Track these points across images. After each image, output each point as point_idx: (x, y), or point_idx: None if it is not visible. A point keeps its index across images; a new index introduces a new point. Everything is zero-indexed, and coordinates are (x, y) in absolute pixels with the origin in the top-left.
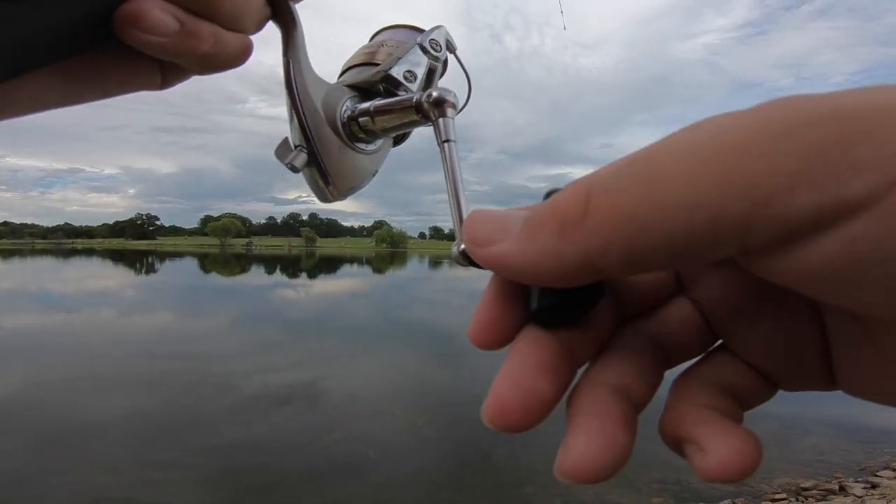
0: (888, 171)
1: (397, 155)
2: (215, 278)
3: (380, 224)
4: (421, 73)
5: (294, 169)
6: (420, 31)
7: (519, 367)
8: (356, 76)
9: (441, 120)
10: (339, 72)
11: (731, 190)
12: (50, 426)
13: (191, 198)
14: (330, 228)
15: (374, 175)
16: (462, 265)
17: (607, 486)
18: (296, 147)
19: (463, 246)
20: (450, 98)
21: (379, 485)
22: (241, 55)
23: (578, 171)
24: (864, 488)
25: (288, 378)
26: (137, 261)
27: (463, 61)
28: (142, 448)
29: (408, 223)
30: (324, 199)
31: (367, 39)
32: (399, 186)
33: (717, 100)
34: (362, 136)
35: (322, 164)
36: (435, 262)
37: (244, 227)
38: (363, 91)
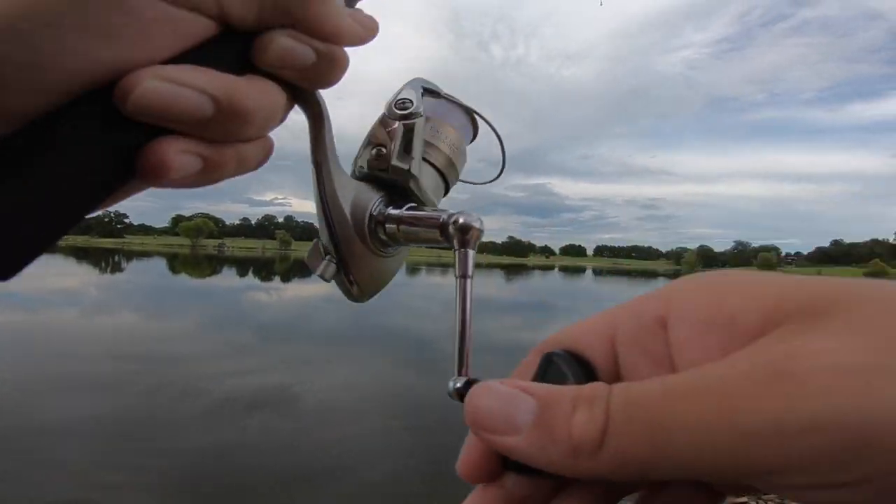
0: (866, 473)
1: None
2: (184, 279)
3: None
4: (396, 145)
5: (324, 279)
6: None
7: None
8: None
9: (462, 251)
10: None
11: (732, 464)
12: (4, 427)
13: (162, 196)
14: (306, 232)
15: (394, 275)
16: (456, 401)
17: None
18: (325, 255)
19: (459, 385)
20: (475, 225)
21: (352, 491)
22: (263, 160)
23: (557, 181)
24: None
25: (258, 382)
26: (103, 259)
27: (486, 118)
28: (102, 452)
29: None
30: (352, 299)
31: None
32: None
33: (692, 114)
34: (387, 241)
35: (351, 274)
36: (412, 269)
37: (217, 228)
38: (375, 181)
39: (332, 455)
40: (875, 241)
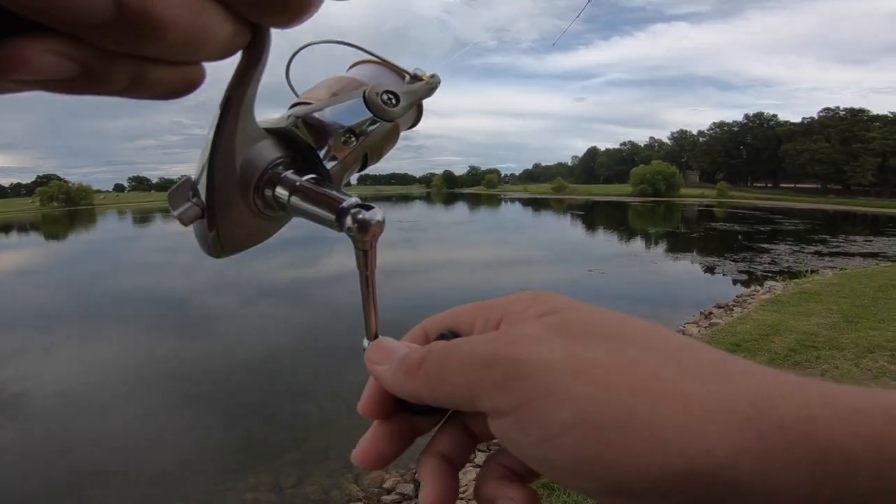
0: (519, 398)
1: (80, 99)
2: None
3: (46, 179)
4: (352, 130)
5: (182, 222)
6: (404, 74)
7: (376, 434)
8: (281, 121)
9: (361, 252)
10: (292, 102)
11: (462, 392)
12: None
13: None
14: None
15: (266, 238)
16: None
17: None
18: (192, 197)
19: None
20: (375, 223)
21: (152, 482)
22: (180, 90)
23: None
24: None
25: None
26: None
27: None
28: None
29: (98, 175)
30: (208, 252)
31: (346, 68)
32: (81, 133)
33: (440, 55)
34: (272, 203)
35: (215, 225)
36: (141, 219)
37: None
38: (285, 140)
39: (104, 452)
40: (560, 165)
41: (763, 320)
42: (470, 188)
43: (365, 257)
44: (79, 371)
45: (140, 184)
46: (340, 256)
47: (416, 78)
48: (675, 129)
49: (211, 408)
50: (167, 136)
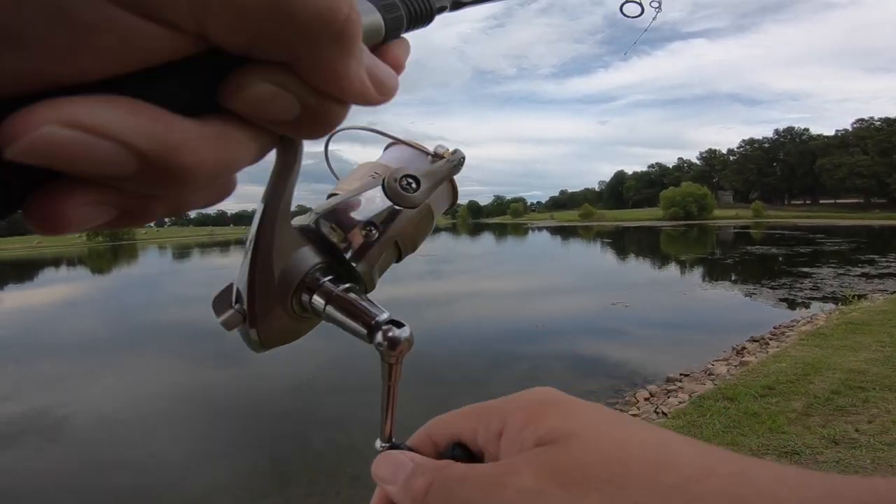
0: None
1: None
2: None
3: None
4: (374, 221)
5: (226, 328)
6: (427, 153)
7: None
8: (307, 218)
9: (387, 366)
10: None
11: None
12: None
13: None
14: (13, 225)
15: (303, 335)
16: None
17: None
18: (236, 303)
19: (380, 447)
20: (403, 344)
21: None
22: (215, 201)
23: (346, 148)
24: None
25: (7, 410)
26: None
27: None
28: None
29: None
30: (250, 348)
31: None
32: None
33: (461, 84)
34: (308, 307)
35: (257, 331)
36: (180, 254)
37: None
38: (320, 243)
39: (146, 475)
40: (587, 190)
41: (802, 357)
42: (495, 218)
43: (390, 370)
44: (118, 398)
45: (179, 218)
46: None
47: (437, 156)
48: (704, 149)
49: (243, 434)
50: None
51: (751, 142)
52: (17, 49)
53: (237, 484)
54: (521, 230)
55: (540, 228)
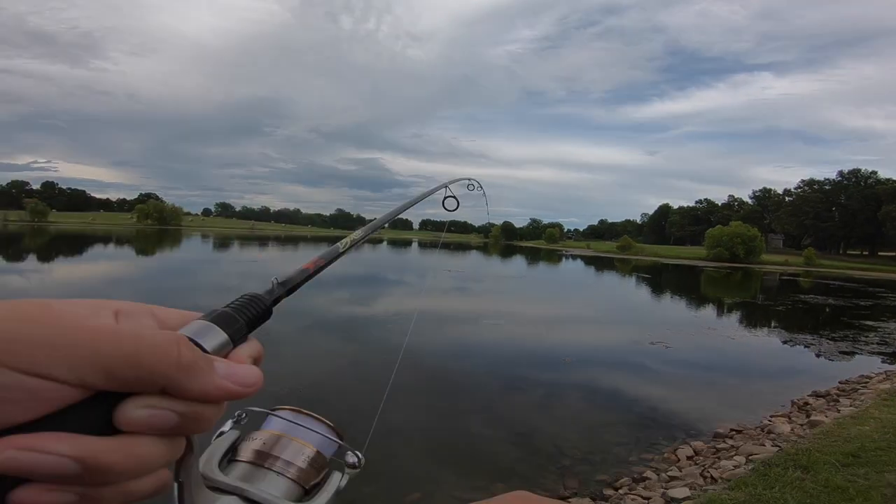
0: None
1: (180, 121)
2: None
3: (147, 197)
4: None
5: None
6: (332, 438)
7: None
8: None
9: None
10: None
11: None
12: None
13: None
14: (73, 200)
15: None
16: None
17: None
18: None
19: None
20: None
21: None
22: (156, 491)
23: (389, 157)
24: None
25: None
26: None
27: None
28: None
29: (190, 198)
30: None
31: None
32: (181, 158)
33: (508, 104)
34: None
35: None
36: (221, 244)
37: None
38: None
39: None
40: (627, 221)
41: (890, 420)
42: (529, 241)
43: None
44: None
45: (224, 210)
46: (391, 299)
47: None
48: (758, 187)
49: None
50: (255, 167)
51: (810, 182)
52: None
53: None
54: (554, 257)
55: (574, 257)
